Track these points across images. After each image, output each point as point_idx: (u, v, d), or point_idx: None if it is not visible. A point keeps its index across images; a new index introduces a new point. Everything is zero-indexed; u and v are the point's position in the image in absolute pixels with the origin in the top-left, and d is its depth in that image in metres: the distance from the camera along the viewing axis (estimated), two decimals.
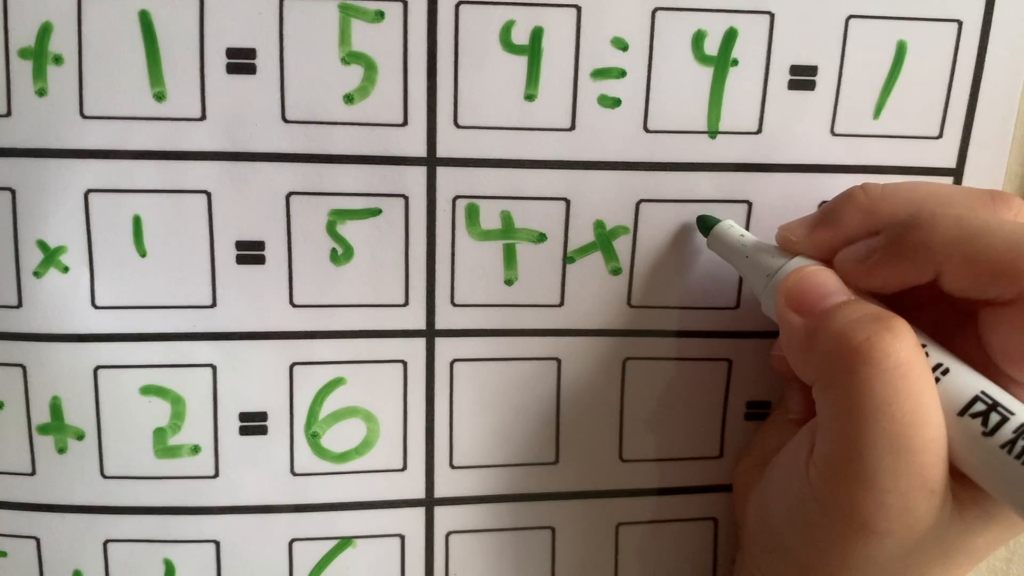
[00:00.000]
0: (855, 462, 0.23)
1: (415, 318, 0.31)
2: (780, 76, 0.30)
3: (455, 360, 0.31)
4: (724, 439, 0.33)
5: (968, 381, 0.23)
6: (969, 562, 0.25)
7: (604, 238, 0.31)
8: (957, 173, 0.31)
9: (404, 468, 0.32)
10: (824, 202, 0.31)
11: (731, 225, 0.30)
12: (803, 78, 0.30)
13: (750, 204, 0.31)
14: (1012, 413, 0.22)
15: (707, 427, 0.33)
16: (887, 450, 0.22)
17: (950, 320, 0.25)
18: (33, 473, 0.31)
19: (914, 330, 0.24)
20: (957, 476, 0.23)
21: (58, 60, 0.28)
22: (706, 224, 0.30)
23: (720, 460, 0.33)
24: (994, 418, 0.22)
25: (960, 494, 0.24)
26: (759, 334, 0.32)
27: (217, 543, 0.31)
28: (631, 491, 0.33)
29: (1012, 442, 0.22)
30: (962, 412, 0.23)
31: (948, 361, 0.24)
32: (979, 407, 0.23)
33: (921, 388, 0.22)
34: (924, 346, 0.24)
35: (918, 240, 0.24)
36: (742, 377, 0.33)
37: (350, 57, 0.28)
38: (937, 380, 0.23)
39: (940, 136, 0.31)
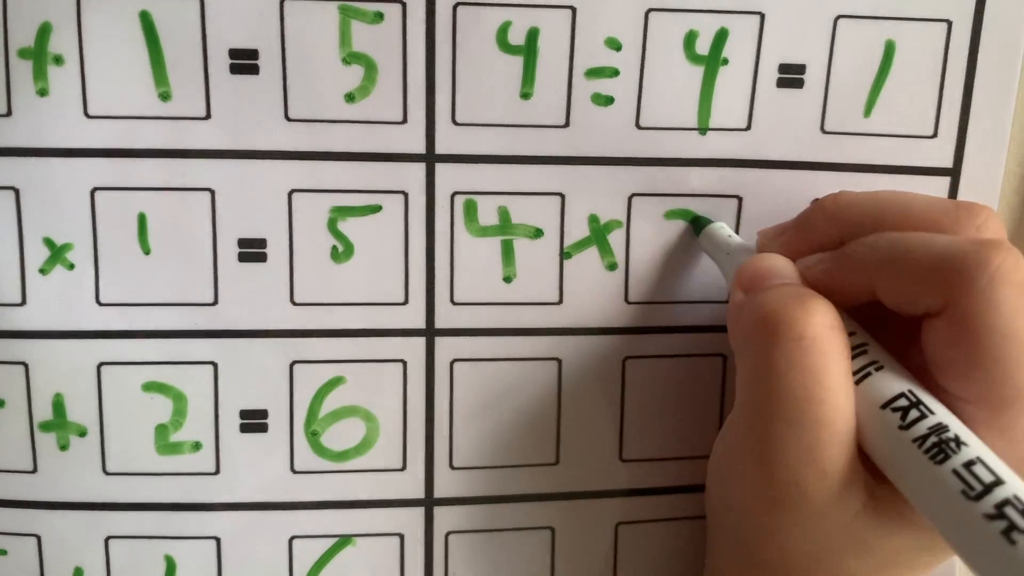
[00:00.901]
0: (752, 430, 0.24)
1: (415, 316, 0.31)
2: (769, 74, 0.30)
3: (455, 360, 0.32)
4: None
5: (898, 380, 0.23)
6: (897, 564, 0.25)
7: (599, 232, 0.31)
8: (954, 173, 0.32)
9: (404, 468, 0.32)
10: (816, 199, 0.31)
11: (722, 226, 0.31)
12: (791, 76, 0.30)
13: (740, 199, 0.31)
14: (932, 412, 0.22)
15: (705, 425, 0.33)
16: (780, 419, 0.23)
17: (902, 337, 0.26)
18: (34, 471, 0.31)
19: (860, 329, 0.25)
20: (877, 473, 0.24)
21: (58, 60, 0.28)
22: (700, 224, 0.31)
23: None
24: (913, 414, 0.22)
25: (877, 491, 0.24)
26: None
27: (218, 540, 0.32)
28: (631, 491, 0.33)
29: (924, 437, 0.22)
30: (884, 405, 0.23)
31: (885, 361, 0.24)
32: (902, 402, 0.23)
33: (822, 365, 0.23)
34: (865, 345, 0.24)
35: (856, 257, 0.25)
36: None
37: (350, 57, 0.29)
38: (868, 375, 0.24)
39: (935, 135, 0.31)
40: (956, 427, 0.22)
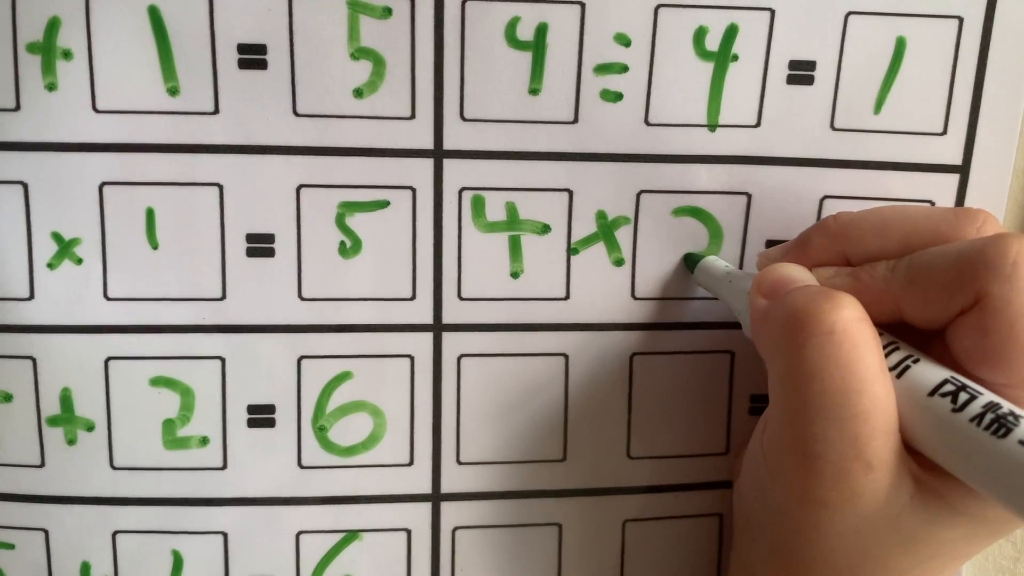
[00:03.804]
0: (792, 427, 0.24)
1: (422, 312, 0.31)
2: (779, 71, 0.30)
3: (462, 355, 0.32)
4: (730, 435, 0.33)
5: (938, 369, 0.24)
6: (943, 556, 0.25)
7: (606, 228, 0.31)
8: (963, 170, 0.32)
9: (411, 463, 0.32)
10: (825, 196, 0.31)
11: (715, 259, 0.31)
12: (801, 73, 0.30)
13: (749, 196, 0.31)
14: (980, 393, 0.22)
15: (713, 422, 0.33)
16: (819, 416, 0.23)
17: (918, 341, 0.26)
18: (42, 465, 0.31)
19: (881, 330, 0.25)
20: (925, 464, 0.24)
21: (67, 55, 0.28)
22: (692, 260, 0.31)
23: (726, 456, 0.34)
24: (963, 396, 0.22)
25: (926, 482, 0.24)
26: None
27: (225, 535, 0.32)
28: (638, 488, 0.33)
29: (981, 416, 0.22)
30: (932, 392, 0.23)
31: (918, 355, 0.24)
32: (949, 387, 0.23)
33: (857, 357, 0.23)
34: (895, 342, 0.25)
35: (877, 284, 0.25)
36: (745, 369, 0.33)
37: (359, 53, 0.29)
38: (907, 368, 0.24)
39: (944, 132, 0.31)
40: (1006, 403, 0.22)
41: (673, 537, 0.34)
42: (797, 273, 0.27)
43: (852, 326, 0.23)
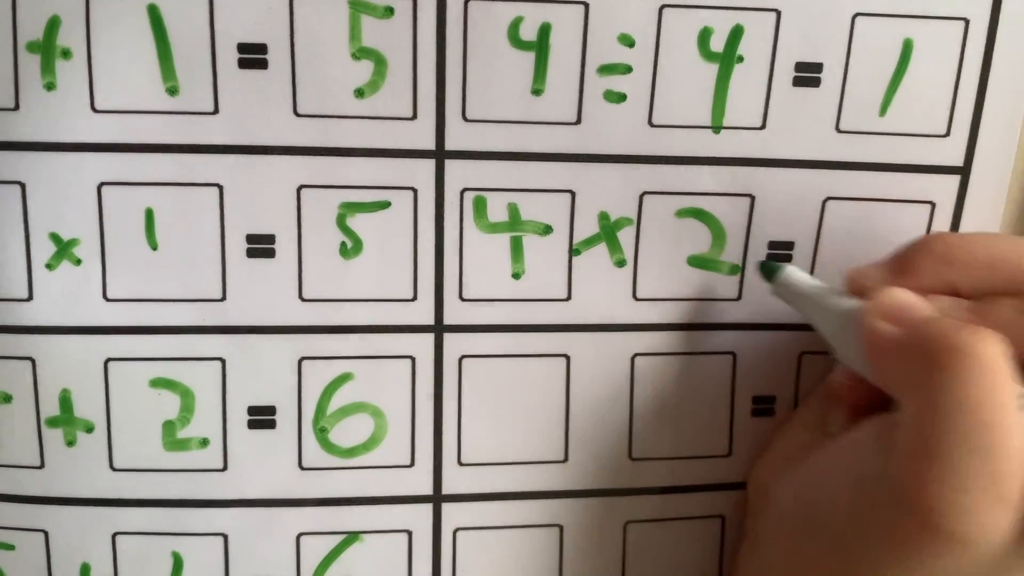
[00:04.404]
0: (936, 458, 0.23)
1: (424, 313, 0.31)
2: (785, 73, 0.30)
3: (463, 356, 0.32)
4: (733, 436, 0.33)
5: None
6: None
7: (608, 229, 0.31)
8: (964, 172, 0.31)
9: (412, 464, 0.32)
10: (828, 198, 0.31)
11: (796, 270, 0.30)
12: (808, 75, 0.30)
13: (752, 198, 0.31)
14: None
15: (715, 424, 0.33)
16: (966, 448, 0.22)
17: None
18: (42, 466, 0.31)
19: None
20: None
21: (66, 54, 0.28)
22: (769, 269, 0.31)
23: (729, 458, 0.33)
24: None
25: None
26: (761, 326, 0.33)
27: (225, 536, 0.31)
28: (640, 489, 0.33)
29: None
30: None
31: None
32: None
33: (1006, 394, 0.23)
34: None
35: (1008, 323, 0.25)
36: (746, 371, 0.33)
37: (360, 52, 0.29)
38: None
39: (947, 134, 0.31)
40: None
41: (675, 539, 0.34)
42: (919, 301, 0.26)
43: (1001, 362, 0.23)
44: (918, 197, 0.31)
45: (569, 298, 0.32)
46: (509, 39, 0.29)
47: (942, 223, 0.32)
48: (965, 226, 0.32)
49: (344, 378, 0.31)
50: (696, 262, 0.32)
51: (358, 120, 0.29)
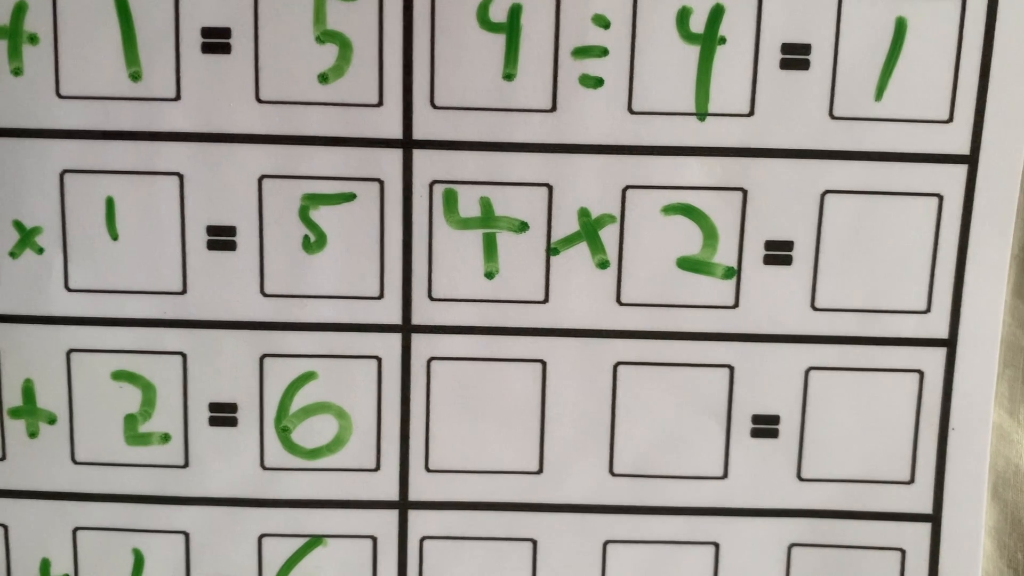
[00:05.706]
0: None
1: (390, 312, 0.30)
2: (771, 55, 0.28)
3: (432, 358, 0.30)
4: (728, 458, 0.31)
5: None
6: None
7: (589, 227, 0.29)
8: (971, 160, 0.29)
9: (377, 468, 0.31)
10: (827, 191, 0.29)
11: None
12: (796, 57, 0.28)
13: (745, 192, 0.29)
14: None
15: (707, 443, 0.31)
16: None
17: None
18: (3, 458, 0.30)
19: None
20: None
21: (33, 39, 0.28)
22: None
23: (724, 481, 0.31)
24: None
25: None
26: (761, 337, 0.30)
27: (186, 535, 0.31)
28: (621, 507, 0.31)
29: None
30: None
31: None
32: None
33: None
34: None
35: None
36: (745, 386, 0.30)
37: (325, 36, 0.28)
38: None
39: (950, 120, 0.28)
40: None
41: (659, 562, 0.31)
42: None
43: None
44: (924, 189, 0.29)
45: (546, 300, 0.30)
46: (478, 20, 0.28)
47: (952, 218, 0.29)
48: (977, 220, 0.29)
49: (307, 377, 0.30)
50: (686, 264, 0.30)
51: (322, 107, 0.28)
